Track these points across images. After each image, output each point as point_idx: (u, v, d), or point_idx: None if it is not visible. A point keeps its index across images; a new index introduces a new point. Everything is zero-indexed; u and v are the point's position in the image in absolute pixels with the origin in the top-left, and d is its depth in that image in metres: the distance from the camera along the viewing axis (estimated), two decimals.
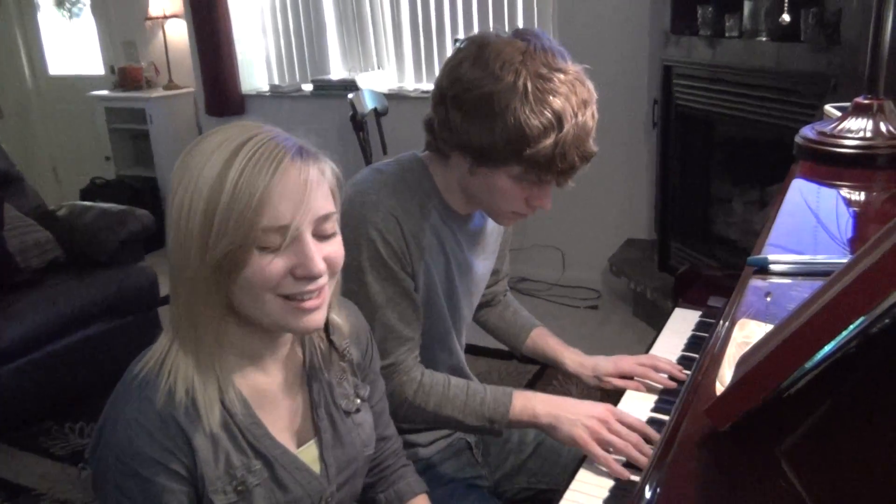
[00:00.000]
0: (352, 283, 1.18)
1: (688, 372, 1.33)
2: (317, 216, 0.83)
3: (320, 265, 0.83)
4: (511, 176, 1.13)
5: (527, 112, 1.06)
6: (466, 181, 1.20)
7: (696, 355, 1.38)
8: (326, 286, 0.87)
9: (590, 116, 1.11)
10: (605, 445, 1.14)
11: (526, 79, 1.06)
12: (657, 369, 1.35)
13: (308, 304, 0.85)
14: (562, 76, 1.08)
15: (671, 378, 1.33)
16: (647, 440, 1.14)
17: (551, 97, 1.07)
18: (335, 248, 0.87)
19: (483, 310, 1.56)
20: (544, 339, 1.51)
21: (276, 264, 0.81)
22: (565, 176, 1.14)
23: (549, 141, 1.08)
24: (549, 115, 1.07)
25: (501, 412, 1.21)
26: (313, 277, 0.83)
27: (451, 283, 1.30)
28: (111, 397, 0.87)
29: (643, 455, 1.12)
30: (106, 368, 2.79)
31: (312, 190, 0.82)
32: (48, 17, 5.21)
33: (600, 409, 1.19)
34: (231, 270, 0.80)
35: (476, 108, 1.09)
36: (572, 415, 1.18)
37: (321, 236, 0.85)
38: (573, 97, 1.09)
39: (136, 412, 0.83)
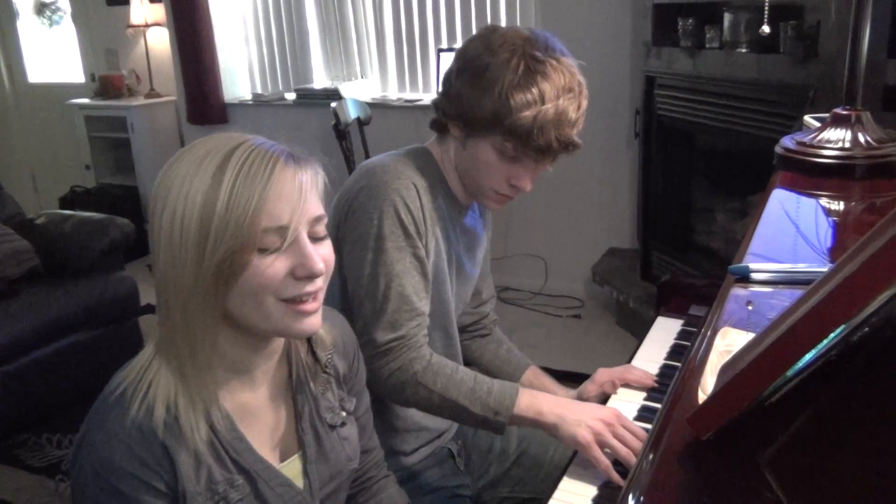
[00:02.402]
0: (370, 252, 1.20)
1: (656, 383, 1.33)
2: (312, 217, 0.84)
3: (320, 263, 0.84)
4: (494, 147, 1.21)
5: (514, 85, 1.16)
6: (459, 156, 1.27)
7: (679, 364, 1.38)
8: (321, 290, 0.87)
9: (573, 105, 1.19)
10: (607, 447, 1.13)
11: (520, 59, 1.16)
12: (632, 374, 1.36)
13: (307, 306, 0.85)
14: (554, 63, 1.18)
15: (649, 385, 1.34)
16: None
17: (539, 77, 1.16)
18: (328, 251, 0.88)
19: (476, 342, 1.56)
20: (540, 380, 1.52)
21: (276, 266, 0.82)
22: (542, 155, 1.20)
23: (529, 113, 1.16)
24: (535, 92, 1.16)
25: (507, 405, 1.19)
26: (314, 276, 0.84)
27: (451, 271, 1.33)
28: (91, 411, 0.86)
29: None
30: (85, 379, 2.76)
31: (307, 192, 0.83)
32: (28, 25, 5.16)
33: (606, 411, 1.18)
34: (231, 276, 0.80)
35: (471, 77, 1.20)
36: (577, 415, 1.16)
37: (315, 238, 0.86)
38: (560, 82, 1.17)
39: (116, 426, 0.82)
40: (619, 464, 1.12)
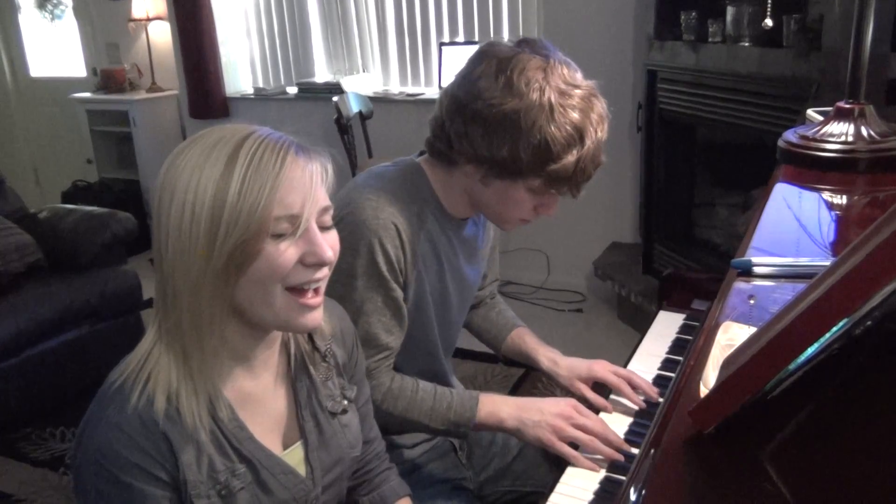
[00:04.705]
0: (339, 286, 1.18)
1: (661, 399, 1.29)
2: (320, 208, 0.86)
3: (329, 251, 0.86)
4: (529, 188, 1.16)
5: (552, 129, 1.10)
6: (475, 190, 1.22)
7: (681, 358, 1.38)
8: (325, 280, 0.88)
9: (604, 130, 1.16)
10: (570, 441, 1.16)
11: (549, 95, 1.10)
12: (633, 385, 1.31)
13: (312, 300, 0.86)
14: (579, 91, 1.13)
15: (645, 399, 1.29)
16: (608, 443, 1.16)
17: (571, 111, 1.11)
18: (334, 240, 0.89)
19: (469, 312, 1.56)
20: (522, 339, 1.50)
21: (288, 253, 0.83)
22: (580, 187, 1.18)
23: (572, 157, 1.12)
24: (570, 130, 1.11)
25: (467, 417, 1.23)
26: (323, 264, 0.85)
27: (445, 289, 1.30)
28: (92, 402, 0.86)
29: (611, 445, 1.15)
30: (88, 373, 2.77)
31: (317, 182, 0.84)
32: (29, 19, 5.15)
33: (562, 405, 1.21)
34: (242, 264, 0.81)
35: (501, 125, 1.11)
36: (537, 416, 1.20)
37: (322, 227, 0.87)
38: (591, 113, 1.13)
39: (117, 416, 0.83)
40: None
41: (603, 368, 1.36)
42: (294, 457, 0.96)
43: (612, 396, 1.32)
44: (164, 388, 0.84)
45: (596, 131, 1.14)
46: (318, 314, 0.88)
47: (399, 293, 1.22)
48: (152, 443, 0.82)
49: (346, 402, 1.03)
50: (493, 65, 1.12)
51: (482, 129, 1.13)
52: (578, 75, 1.15)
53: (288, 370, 0.98)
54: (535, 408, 1.22)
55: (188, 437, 0.84)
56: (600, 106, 1.15)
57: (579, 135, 1.12)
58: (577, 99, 1.12)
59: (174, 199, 0.81)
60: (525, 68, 1.11)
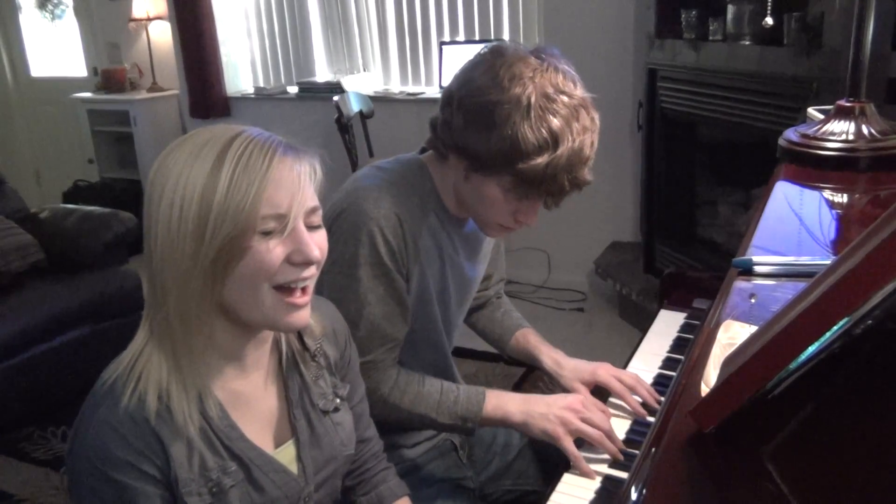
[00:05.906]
0: (342, 277, 1.18)
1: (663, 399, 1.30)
2: (308, 208, 0.86)
3: (316, 250, 0.86)
4: (501, 186, 1.14)
5: (525, 127, 1.08)
6: (460, 185, 1.21)
7: (682, 357, 1.38)
8: (313, 279, 0.89)
9: (588, 144, 1.12)
10: (578, 435, 1.16)
11: (531, 95, 1.08)
12: (635, 393, 1.30)
13: (299, 299, 0.87)
14: (566, 99, 1.10)
15: (645, 406, 1.28)
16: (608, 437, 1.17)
17: (551, 116, 1.08)
18: (322, 238, 0.90)
19: (474, 314, 1.56)
20: (526, 339, 1.50)
21: (276, 251, 0.83)
22: (554, 198, 1.15)
23: (542, 159, 1.09)
24: (546, 134, 1.08)
25: (474, 411, 1.22)
26: (310, 263, 0.86)
27: (445, 286, 1.30)
28: (85, 402, 0.87)
29: (615, 444, 1.15)
30: (89, 372, 2.72)
31: (305, 182, 0.85)
32: (30, 19, 5.16)
33: (571, 399, 1.21)
34: (229, 261, 0.82)
35: (477, 115, 1.11)
36: (544, 408, 1.20)
37: (310, 227, 0.87)
38: (574, 122, 1.10)
39: (108, 415, 0.83)
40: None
41: (606, 373, 1.34)
42: (286, 455, 0.96)
43: (612, 399, 1.32)
44: (155, 387, 0.85)
45: (574, 141, 1.09)
46: (304, 313, 0.89)
47: (402, 283, 1.21)
48: (144, 441, 0.83)
49: (338, 400, 1.03)
50: (488, 59, 1.13)
51: (463, 117, 1.13)
52: (573, 86, 1.12)
53: (279, 369, 0.99)
54: (543, 401, 1.21)
55: (179, 435, 0.85)
56: (588, 119, 1.12)
57: (554, 140, 1.08)
58: (560, 105, 1.09)
59: (163, 198, 0.83)
60: (514, 65, 1.10)
